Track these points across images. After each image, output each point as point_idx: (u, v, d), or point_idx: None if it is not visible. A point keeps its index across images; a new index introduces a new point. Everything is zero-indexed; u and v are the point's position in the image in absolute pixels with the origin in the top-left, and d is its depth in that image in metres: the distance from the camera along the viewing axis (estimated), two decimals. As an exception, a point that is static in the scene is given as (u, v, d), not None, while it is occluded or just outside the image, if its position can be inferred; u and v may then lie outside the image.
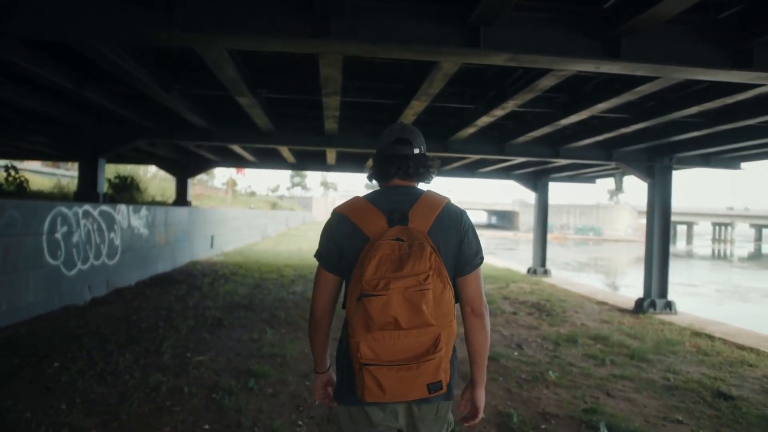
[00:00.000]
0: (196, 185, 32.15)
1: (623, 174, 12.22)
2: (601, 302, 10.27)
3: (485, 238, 57.99)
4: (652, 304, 9.30)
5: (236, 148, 11.67)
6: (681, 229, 79.64)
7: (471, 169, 14.54)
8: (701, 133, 7.35)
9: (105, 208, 9.05)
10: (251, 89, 6.32)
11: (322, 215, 76.07)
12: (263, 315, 7.60)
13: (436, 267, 1.61)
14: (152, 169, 19.88)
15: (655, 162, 9.50)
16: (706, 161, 9.66)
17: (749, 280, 25.58)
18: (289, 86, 6.74)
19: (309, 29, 3.71)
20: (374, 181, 1.96)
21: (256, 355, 5.53)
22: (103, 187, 9.96)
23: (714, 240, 73.27)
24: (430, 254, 1.60)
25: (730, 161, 9.77)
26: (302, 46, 4.03)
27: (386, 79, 6.41)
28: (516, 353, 6.06)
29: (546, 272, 14.75)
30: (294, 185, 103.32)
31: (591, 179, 14.92)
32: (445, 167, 13.81)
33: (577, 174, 13.86)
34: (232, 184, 44.86)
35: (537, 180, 14.90)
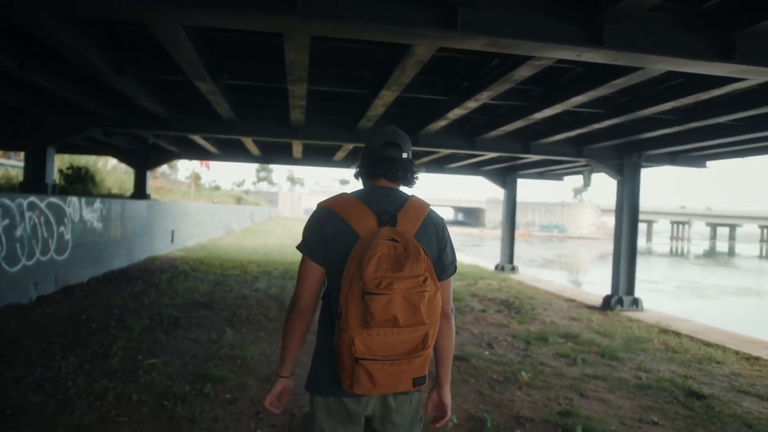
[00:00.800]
0: (158, 178, 31.18)
1: (591, 171, 12.23)
2: (569, 299, 10.23)
3: (451, 235, 58.12)
4: (620, 301, 9.30)
5: (198, 139, 11.20)
6: (641, 227, 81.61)
7: (440, 165, 14.37)
8: (672, 130, 7.30)
9: (53, 200, 8.49)
10: (212, 74, 5.94)
11: (288, 211, 75.29)
12: (223, 314, 7.23)
13: (429, 270, 1.66)
14: (113, 161, 19.04)
15: (625, 159, 9.48)
16: (674, 159, 9.69)
17: (706, 276, 26.27)
18: (253, 72, 6.38)
19: (273, 5, 3.39)
20: (359, 179, 2.01)
21: (214, 357, 5.19)
22: (53, 178, 9.38)
23: (672, 238, 75.45)
24: (424, 257, 1.66)
25: (697, 159, 9.83)
26: (266, 23, 3.71)
27: (356, 67, 6.13)
28: (487, 352, 5.87)
29: (514, 269, 14.73)
30: (260, 180, 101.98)
31: (559, 176, 14.95)
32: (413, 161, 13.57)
33: (546, 171, 13.83)
34: (195, 177, 43.76)
35: (506, 176, 14.85)
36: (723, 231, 78.80)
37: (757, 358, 6.33)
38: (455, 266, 1.92)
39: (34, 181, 8.98)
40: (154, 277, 10.33)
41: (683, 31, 3.76)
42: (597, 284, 18.16)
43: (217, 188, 54.72)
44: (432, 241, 1.83)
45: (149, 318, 6.69)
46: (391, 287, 1.57)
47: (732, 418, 4.36)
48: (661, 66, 4.05)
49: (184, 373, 4.65)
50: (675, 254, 48.10)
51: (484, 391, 4.56)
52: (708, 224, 77.63)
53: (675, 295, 17.97)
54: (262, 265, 13.26)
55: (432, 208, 1.90)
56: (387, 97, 6.14)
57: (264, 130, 9.22)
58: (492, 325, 7.42)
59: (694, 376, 5.40)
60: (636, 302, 9.35)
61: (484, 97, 5.96)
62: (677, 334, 7.35)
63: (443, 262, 1.86)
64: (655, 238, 73.21)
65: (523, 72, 4.90)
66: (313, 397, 1.85)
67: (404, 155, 1.91)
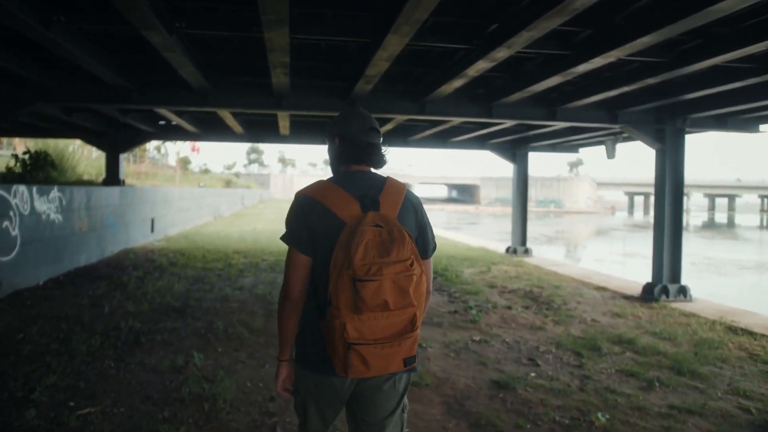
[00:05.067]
0: (145, 162, 29.61)
1: (616, 141, 10.86)
2: (600, 287, 8.95)
3: (446, 212, 57.01)
4: (664, 291, 8.00)
5: (167, 114, 9.69)
6: (638, 200, 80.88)
7: (443, 138, 12.94)
8: (746, 82, 5.93)
9: (-8, 189, 7.08)
10: (164, 21, 4.52)
11: (279, 193, 73.77)
12: (197, 324, 5.89)
13: (414, 253, 1.68)
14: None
15: (666, 124, 8.11)
16: (722, 123, 8.33)
17: (717, 251, 25.11)
18: (217, 16, 4.96)
19: None
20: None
21: (174, 397, 3.84)
22: (-6, 164, 7.94)
23: (670, 210, 74.47)
24: (409, 241, 1.68)
25: (749, 123, 8.47)
26: None
27: (352, 5, 4.69)
28: (533, 373, 4.56)
29: (527, 251, 13.43)
30: (251, 162, 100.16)
31: (575, 148, 13.59)
32: (414, 136, 12.19)
33: (562, 142, 12.43)
34: (183, 161, 42.08)
35: (516, 149, 13.45)
36: (721, 202, 77.92)
37: None
38: (435, 245, 1.95)
39: (-30, 168, 7.56)
40: (125, 274, 8.97)
41: None
42: (615, 264, 17.00)
43: (206, 171, 53.06)
44: (412, 221, 1.85)
45: (103, 334, 5.35)
46: (381, 273, 1.58)
47: None
48: None
49: (127, 432, 3.32)
50: (676, 227, 46.93)
51: (551, 447, 3.25)
52: (706, 195, 76.71)
53: (693, 273, 16.68)
54: (250, 255, 11.90)
55: (409, 188, 1.91)
56: (394, 45, 4.72)
57: (242, 100, 7.78)
58: (525, 328, 6.12)
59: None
60: (683, 291, 8.06)
61: (522, 40, 4.55)
62: (750, 333, 6.07)
63: (425, 242, 1.90)
64: (652, 211, 72.30)
65: (589, -5, 3.51)
66: (300, 370, 1.89)
67: (381, 139, 1.95)
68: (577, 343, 5.50)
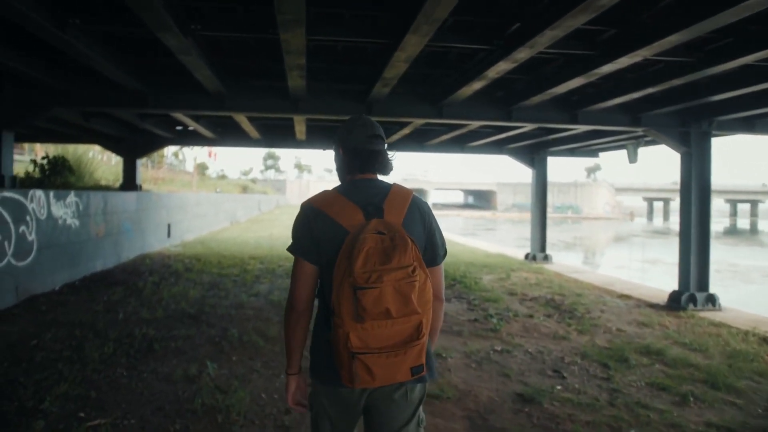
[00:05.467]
0: (162, 168, 29.85)
1: (638, 145, 10.59)
2: (624, 296, 8.69)
3: (462, 218, 56.67)
4: (692, 299, 7.73)
5: (183, 118, 9.65)
6: (657, 206, 79.76)
7: (460, 143, 12.79)
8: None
9: (9, 194, 7.05)
10: (179, 23, 4.45)
11: (296, 198, 74.11)
12: (212, 332, 5.78)
13: (417, 259, 1.66)
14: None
15: (691, 127, 7.86)
16: (750, 126, 8.06)
17: (741, 258, 24.53)
18: (234, 20, 4.87)
19: None
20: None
21: (186, 409, 3.73)
22: (11, 169, 7.95)
23: (690, 216, 73.16)
24: (412, 247, 1.66)
25: (779, 125, 8.20)
26: None
27: (370, 5, 4.57)
28: (558, 386, 4.37)
29: (546, 258, 13.17)
30: (267, 168, 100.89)
31: (594, 152, 13.31)
32: (431, 140, 12.04)
33: (582, 146, 12.20)
34: (201, 167, 42.35)
35: (534, 154, 13.23)
36: (743, 207, 76.48)
37: None
38: (445, 250, 1.91)
39: (-12, 173, 7.57)
40: (140, 280, 8.92)
41: None
42: (637, 271, 16.66)
43: (223, 177, 53.44)
44: (419, 227, 1.81)
45: (116, 341, 5.26)
46: (381, 280, 1.57)
47: None
48: None
49: (137, 445, 3.20)
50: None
51: (581, 467, 3.07)
52: (727, 201, 75.35)
53: (719, 281, 16.27)
54: (266, 261, 11.82)
55: (414, 193, 1.88)
56: (413, 46, 4.59)
57: (258, 104, 7.69)
58: (548, 338, 5.92)
59: None
60: (712, 300, 7.79)
61: (544, 40, 4.39)
62: (785, 345, 5.82)
63: (434, 249, 1.86)
64: (672, 217, 71.12)
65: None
66: (312, 382, 1.86)
67: (385, 146, 1.93)
68: (604, 353, 5.29)
